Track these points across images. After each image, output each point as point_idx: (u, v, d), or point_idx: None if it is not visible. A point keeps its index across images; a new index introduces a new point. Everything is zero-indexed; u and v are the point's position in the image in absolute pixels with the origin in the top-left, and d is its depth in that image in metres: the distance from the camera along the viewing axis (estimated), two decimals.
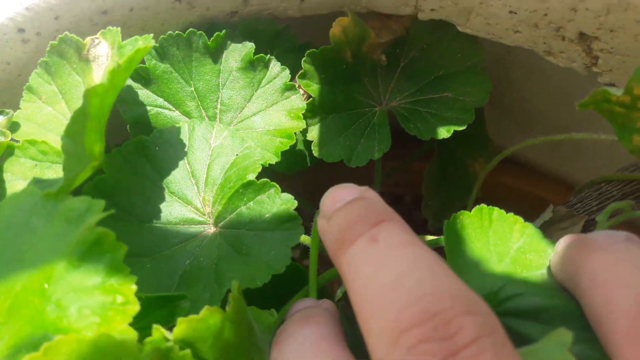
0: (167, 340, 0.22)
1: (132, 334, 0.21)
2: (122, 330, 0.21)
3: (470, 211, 0.29)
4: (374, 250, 0.23)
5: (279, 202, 0.32)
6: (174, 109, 0.40)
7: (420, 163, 0.57)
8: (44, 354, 0.19)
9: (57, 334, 0.20)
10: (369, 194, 0.26)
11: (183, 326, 0.22)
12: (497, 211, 0.29)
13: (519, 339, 0.23)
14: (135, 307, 0.22)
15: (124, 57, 0.31)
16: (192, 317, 0.22)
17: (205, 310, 0.23)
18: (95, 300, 0.22)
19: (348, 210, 0.25)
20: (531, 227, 0.29)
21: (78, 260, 0.22)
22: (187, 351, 0.22)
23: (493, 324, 0.20)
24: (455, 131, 0.41)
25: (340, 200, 0.25)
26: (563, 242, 0.27)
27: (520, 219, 0.29)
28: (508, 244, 0.28)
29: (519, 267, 0.27)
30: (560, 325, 0.23)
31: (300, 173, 0.44)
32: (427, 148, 0.55)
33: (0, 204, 0.26)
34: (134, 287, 0.22)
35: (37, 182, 0.33)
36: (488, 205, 0.29)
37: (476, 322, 0.19)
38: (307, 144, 0.42)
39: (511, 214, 0.29)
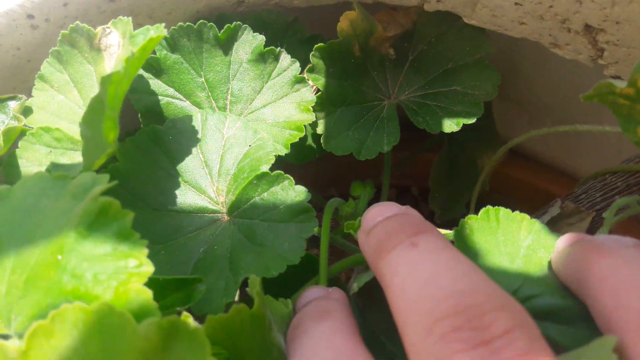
0: None
1: (147, 294, 0.22)
2: (138, 290, 0.22)
3: (475, 203, 0.30)
4: (413, 253, 0.25)
5: (292, 194, 0.34)
6: (184, 99, 0.41)
7: (429, 155, 0.58)
8: (51, 321, 0.20)
9: (76, 301, 0.21)
10: (410, 211, 0.28)
11: (213, 323, 0.24)
12: (503, 211, 0.30)
13: None
14: (150, 268, 0.23)
15: (138, 46, 0.33)
16: (221, 315, 0.24)
17: (234, 309, 0.24)
18: (109, 266, 0.23)
19: (387, 223, 0.27)
20: (538, 223, 0.30)
21: (86, 230, 0.23)
22: (199, 327, 0.23)
23: (526, 319, 0.22)
24: (464, 124, 0.42)
25: (381, 215, 0.28)
26: (566, 240, 0.28)
27: (526, 216, 0.30)
28: (517, 242, 0.29)
29: (531, 266, 0.28)
30: (579, 325, 0.25)
31: (310, 164, 0.46)
32: (436, 140, 0.56)
33: (11, 188, 0.27)
34: (146, 251, 0.23)
35: (55, 167, 0.34)
36: (497, 197, 0.30)
37: (509, 317, 0.21)
38: (316, 136, 0.43)
39: (517, 212, 0.30)
